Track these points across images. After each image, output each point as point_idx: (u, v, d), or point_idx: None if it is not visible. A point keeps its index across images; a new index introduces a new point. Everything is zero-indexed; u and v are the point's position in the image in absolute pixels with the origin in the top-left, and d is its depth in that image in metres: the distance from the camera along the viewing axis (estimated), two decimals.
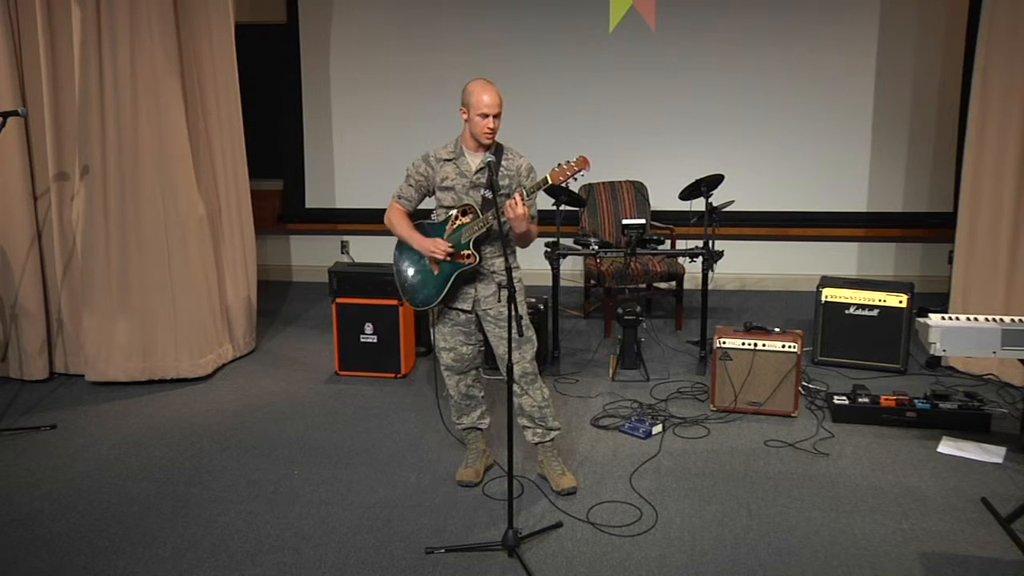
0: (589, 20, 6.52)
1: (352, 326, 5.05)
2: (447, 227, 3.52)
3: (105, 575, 3.17)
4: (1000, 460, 3.91)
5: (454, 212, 3.52)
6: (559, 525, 3.43)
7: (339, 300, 5.06)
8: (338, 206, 7.04)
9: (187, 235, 4.91)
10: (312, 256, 7.21)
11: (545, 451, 3.76)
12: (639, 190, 6.14)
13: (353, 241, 7.11)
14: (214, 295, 5.14)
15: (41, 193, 4.92)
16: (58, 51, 4.75)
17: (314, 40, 6.85)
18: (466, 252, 3.48)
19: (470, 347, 3.67)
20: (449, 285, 3.52)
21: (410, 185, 3.61)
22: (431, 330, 3.74)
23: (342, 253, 7.12)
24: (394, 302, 4.98)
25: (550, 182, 3.39)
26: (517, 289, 3.47)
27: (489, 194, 3.42)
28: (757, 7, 6.37)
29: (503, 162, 3.50)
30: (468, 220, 3.47)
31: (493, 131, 3.41)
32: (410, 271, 3.62)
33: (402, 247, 3.65)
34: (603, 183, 6.09)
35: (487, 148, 3.49)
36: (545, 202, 4.66)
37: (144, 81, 4.68)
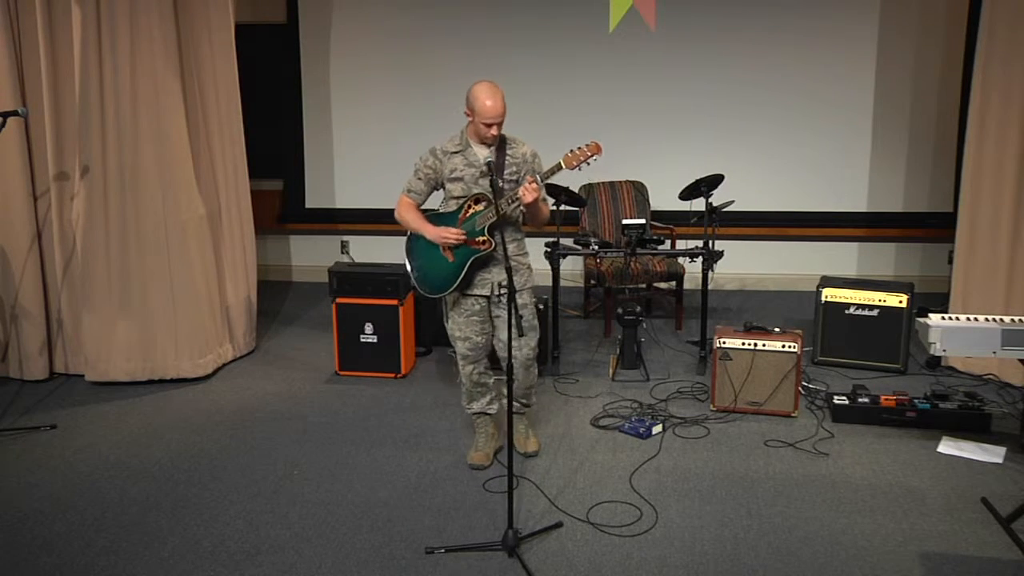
0: (589, 20, 6.51)
1: (352, 326, 5.05)
2: (460, 215, 3.65)
3: (105, 575, 3.17)
4: (1000, 460, 3.92)
5: (466, 201, 3.64)
6: (559, 525, 3.43)
7: (339, 300, 5.06)
8: (338, 206, 7.04)
9: (187, 235, 4.91)
10: (312, 256, 7.21)
11: (517, 419, 4.02)
12: (639, 190, 6.14)
13: (353, 241, 7.11)
14: (214, 295, 5.14)
15: (41, 193, 4.92)
16: (58, 51, 4.75)
17: (314, 40, 6.85)
18: (481, 238, 3.62)
19: (483, 336, 3.82)
20: (464, 271, 3.65)
21: (419, 178, 3.74)
22: (445, 322, 3.85)
23: (342, 253, 7.11)
24: (394, 302, 4.98)
25: (563, 167, 3.53)
26: (526, 278, 3.76)
27: (500, 183, 3.59)
28: (757, 7, 6.36)
29: (508, 151, 3.67)
30: (481, 208, 3.61)
31: (495, 137, 3.60)
32: (424, 260, 3.74)
33: (414, 238, 3.78)
34: (603, 183, 6.08)
35: (490, 145, 3.65)
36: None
37: (144, 81, 4.68)
